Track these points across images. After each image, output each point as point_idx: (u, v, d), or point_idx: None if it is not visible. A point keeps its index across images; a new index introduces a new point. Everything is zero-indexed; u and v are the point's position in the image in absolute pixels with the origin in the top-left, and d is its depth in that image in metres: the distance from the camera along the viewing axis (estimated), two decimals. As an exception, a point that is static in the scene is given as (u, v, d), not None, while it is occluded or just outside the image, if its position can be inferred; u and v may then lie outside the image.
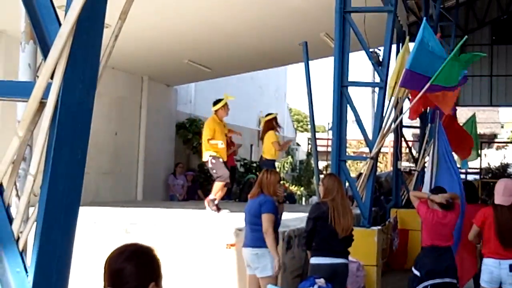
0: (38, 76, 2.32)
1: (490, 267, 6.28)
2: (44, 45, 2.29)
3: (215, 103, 9.87)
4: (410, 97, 8.67)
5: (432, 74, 7.41)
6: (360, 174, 9.59)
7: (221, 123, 9.74)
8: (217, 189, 9.55)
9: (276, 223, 6.47)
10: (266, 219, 6.29)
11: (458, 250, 6.93)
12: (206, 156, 9.58)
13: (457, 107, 18.39)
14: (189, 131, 15.58)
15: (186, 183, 15.03)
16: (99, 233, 7.45)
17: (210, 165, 9.60)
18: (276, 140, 10.66)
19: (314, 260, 6.24)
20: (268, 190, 6.46)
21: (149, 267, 2.33)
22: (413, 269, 6.45)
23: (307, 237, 6.32)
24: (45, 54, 2.27)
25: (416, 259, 6.54)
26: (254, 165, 17.07)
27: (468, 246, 7.11)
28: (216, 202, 9.52)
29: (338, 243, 6.16)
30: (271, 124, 10.85)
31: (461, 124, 14.01)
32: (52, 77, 2.24)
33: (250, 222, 6.49)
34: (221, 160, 9.53)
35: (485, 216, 6.37)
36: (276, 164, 20.99)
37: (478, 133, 14.71)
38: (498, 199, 6.31)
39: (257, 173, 14.11)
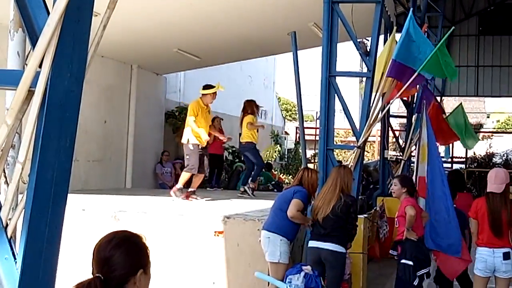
0: (27, 64, 2.34)
1: (485, 256, 6.33)
2: (32, 33, 2.31)
3: (205, 87, 9.87)
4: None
5: (416, 65, 7.50)
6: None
7: (205, 107, 9.74)
8: (184, 180, 9.58)
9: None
10: (294, 203, 6.41)
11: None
12: (185, 138, 9.58)
13: (443, 97, 18.58)
14: (178, 120, 15.57)
15: (172, 170, 15.07)
16: (88, 220, 7.47)
17: (186, 150, 9.61)
18: (251, 120, 10.66)
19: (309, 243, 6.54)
20: (308, 187, 6.60)
21: (137, 255, 2.34)
22: (404, 260, 6.48)
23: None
24: (34, 43, 2.28)
25: (404, 249, 6.55)
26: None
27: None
28: (190, 189, 9.60)
29: (322, 226, 6.33)
30: (251, 108, 10.83)
31: (448, 113, 14.17)
32: (40, 65, 2.26)
33: (277, 207, 6.61)
34: (198, 150, 9.54)
35: (477, 207, 6.44)
36: (265, 153, 21.09)
37: (465, 122, 14.76)
38: (490, 187, 6.38)
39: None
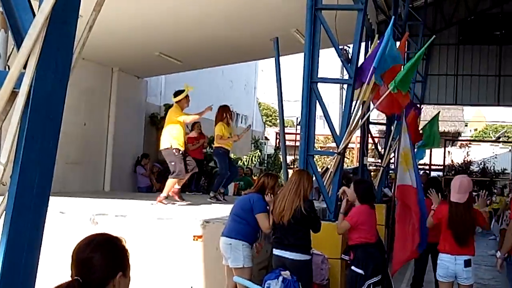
0: (8, 65, 2.33)
1: (446, 262, 6.42)
2: (17, 35, 2.29)
3: (176, 94, 9.84)
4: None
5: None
6: (327, 169, 9.69)
7: (183, 113, 9.74)
8: (170, 187, 9.55)
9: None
10: (260, 219, 6.42)
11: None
12: (167, 143, 9.50)
13: (422, 105, 18.78)
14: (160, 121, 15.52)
15: (150, 173, 15.06)
16: (66, 223, 7.41)
17: (170, 157, 9.54)
18: (220, 133, 10.48)
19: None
20: (268, 194, 6.56)
21: (116, 257, 2.33)
22: (354, 268, 6.51)
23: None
24: (19, 44, 2.27)
25: (356, 256, 6.56)
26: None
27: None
28: (179, 195, 9.57)
29: (283, 235, 6.26)
30: (221, 115, 10.69)
31: (426, 122, 14.38)
32: (25, 67, 2.25)
33: (236, 213, 6.62)
34: (181, 155, 9.50)
35: (442, 213, 6.50)
36: (244, 157, 21.09)
37: (442, 130, 15.00)
38: (454, 196, 6.39)
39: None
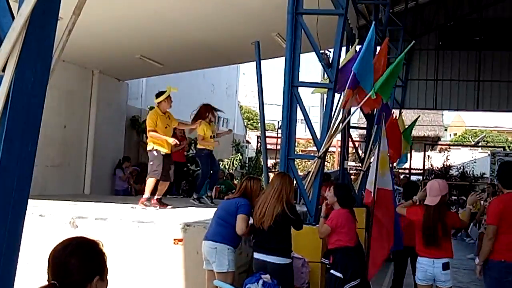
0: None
1: (425, 265, 6.48)
2: (-4, 37, 2.29)
3: (158, 95, 9.79)
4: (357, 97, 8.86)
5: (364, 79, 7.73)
6: (308, 172, 9.73)
7: (163, 115, 9.66)
8: (150, 187, 9.49)
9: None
10: (241, 219, 6.38)
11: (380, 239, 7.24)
12: (150, 146, 9.51)
13: (402, 110, 18.95)
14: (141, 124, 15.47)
15: (130, 176, 15.00)
16: (45, 226, 7.36)
17: (150, 157, 9.53)
18: (202, 133, 10.34)
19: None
20: (251, 197, 6.53)
21: (93, 261, 2.33)
22: (333, 271, 6.57)
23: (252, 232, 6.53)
24: (-2, 47, 2.26)
25: (335, 260, 6.63)
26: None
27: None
28: (156, 197, 9.54)
29: (264, 238, 6.26)
30: (201, 115, 10.53)
31: (406, 126, 14.48)
32: (3, 69, 2.24)
33: (220, 217, 6.54)
34: (162, 156, 9.48)
35: (417, 214, 6.59)
36: (226, 161, 21.09)
37: (422, 135, 15.12)
38: (427, 199, 6.51)
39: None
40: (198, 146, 10.72)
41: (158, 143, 9.43)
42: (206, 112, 10.57)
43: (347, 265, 6.54)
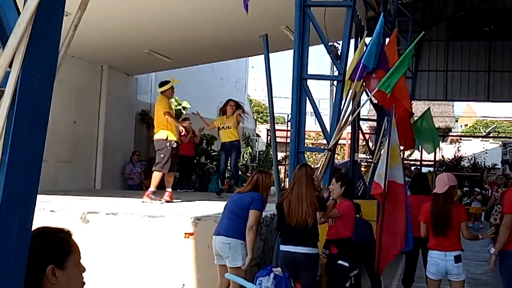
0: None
1: (436, 259, 6.42)
2: (2, 33, 2.28)
3: (162, 84, 9.89)
4: (367, 90, 8.81)
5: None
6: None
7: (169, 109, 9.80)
8: (156, 181, 9.55)
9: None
10: (254, 215, 6.34)
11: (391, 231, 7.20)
12: (164, 135, 9.52)
13: (413, 101, 18.83)
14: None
15: (141, 170, 15.02)
16: (56, 222, 7.38)
17: (162, 147, 9.54)
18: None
19: (280, 247, 6.48)
20: (263, 191, 6.52)
21: (49, 249, 2.26)
22: (341, 262, 6.61)
23: (277, 223, 6.58)
24: (3, 43, 2.26)
25: (342, 250, 6.68)
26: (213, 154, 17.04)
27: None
28: (167, 190, 9.61)
29: (294, 232, 6.25)
30: (223, 108, 11.04)
31: (416, 117, 14.36)
32: (10, 65, 2.24)
33: (233, 212, 6.49)
34: (172, 149, 9.50)
35: (426, 212, 6.55)
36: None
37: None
38: (435, 189, 6.54)
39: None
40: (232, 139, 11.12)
41: (172, 130, 9.49)
42: (225, 105, 11.16)
43: (351, 255, 6.65)
